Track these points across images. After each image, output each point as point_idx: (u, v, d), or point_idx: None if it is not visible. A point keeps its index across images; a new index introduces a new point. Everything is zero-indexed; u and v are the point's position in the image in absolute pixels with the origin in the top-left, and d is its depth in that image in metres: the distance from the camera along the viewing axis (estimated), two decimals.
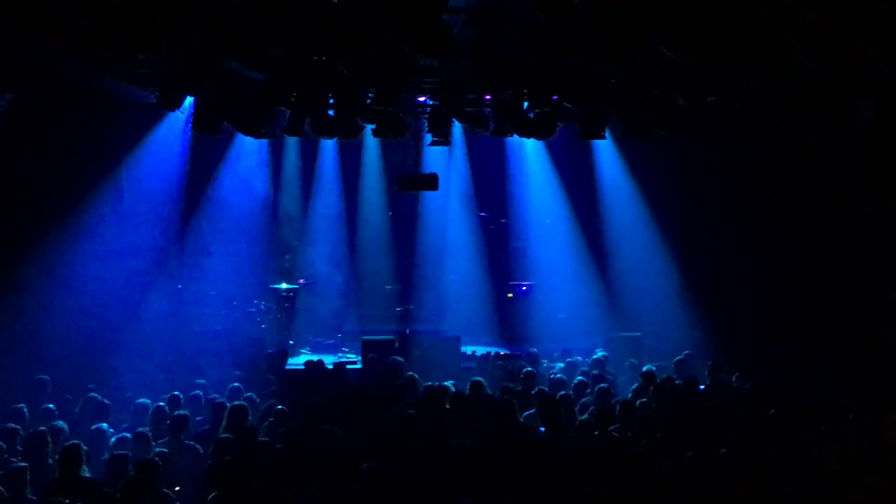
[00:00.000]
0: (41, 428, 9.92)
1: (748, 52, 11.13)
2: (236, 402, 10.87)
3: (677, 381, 12.74)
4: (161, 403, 11.27)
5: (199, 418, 11.39)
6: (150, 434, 10.17)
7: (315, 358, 15.38)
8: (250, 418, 10.66)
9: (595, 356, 15.11)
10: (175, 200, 17.92)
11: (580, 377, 13.31)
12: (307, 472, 9.15)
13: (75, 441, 9.35)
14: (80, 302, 15.22)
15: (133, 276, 16.79)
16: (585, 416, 11.30)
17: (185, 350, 15.49)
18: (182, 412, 10.72)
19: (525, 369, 13.54)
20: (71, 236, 15.34)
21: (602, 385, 12.34)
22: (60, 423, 10.43)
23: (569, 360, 15.14)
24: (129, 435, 10.18)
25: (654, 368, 13.50)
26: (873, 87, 11.65)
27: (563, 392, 12.22)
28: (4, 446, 9.56)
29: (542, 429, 10.83)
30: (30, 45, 11.80)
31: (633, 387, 12.90)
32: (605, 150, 19.41)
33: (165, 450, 9.83)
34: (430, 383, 12.90)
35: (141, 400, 11.54)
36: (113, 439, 10.15)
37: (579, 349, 16.15)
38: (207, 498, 8.56)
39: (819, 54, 10.77)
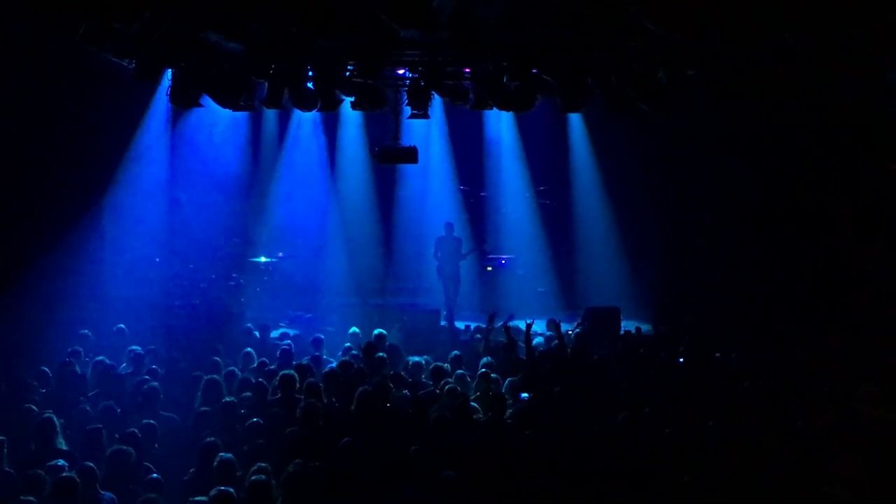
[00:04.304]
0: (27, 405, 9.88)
1: (729, 26, 11.11)
2: (211, 377, 10.86)
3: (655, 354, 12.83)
4: (146, 377, 11.22)
5: (177, 391, 11.34)
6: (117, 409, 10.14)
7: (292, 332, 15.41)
8: (225, 391, 10.65)
9: (575, 330, 15.16)
10: (155, 173, 17.91)
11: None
12: (287, 445, 9.15)
13: (49, 414, 9.32)
14: (58, 277, 15.14)
15: (111, 251, 16.77)
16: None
17: (164, 324, 15.46)
18: (154, 384, 10.66)
19: (503, 341, 13.58)
20: (52, 212, 15.21)
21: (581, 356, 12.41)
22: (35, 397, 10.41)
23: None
24: (87, 407, 10.12)
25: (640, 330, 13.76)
26: (855, 63, 11.66)
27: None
28: None
29: (524, 395, 10.89)
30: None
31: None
32: (582, 124, 19.49)
33: (153, 422, 9.77)
34: (409, 357, 12.97)
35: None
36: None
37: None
38: (188, 472, 8.58)
39: (801, 29, 10.76)
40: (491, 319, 14.35)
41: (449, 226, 18.50)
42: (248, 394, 10.90)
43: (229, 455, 8.27)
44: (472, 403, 10.62)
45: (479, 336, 15.07)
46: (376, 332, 14.31)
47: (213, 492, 7.42)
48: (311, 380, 10.96)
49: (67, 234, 15.52)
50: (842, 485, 7.95)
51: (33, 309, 14.34)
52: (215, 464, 8.16)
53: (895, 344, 12.66)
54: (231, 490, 7.42)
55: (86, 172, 15.83)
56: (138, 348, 12.79)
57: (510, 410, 10.42)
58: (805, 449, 8.86)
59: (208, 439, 8.86)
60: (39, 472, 8.00)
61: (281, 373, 11.22)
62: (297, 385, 10.81)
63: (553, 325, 14.75)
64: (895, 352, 12.22)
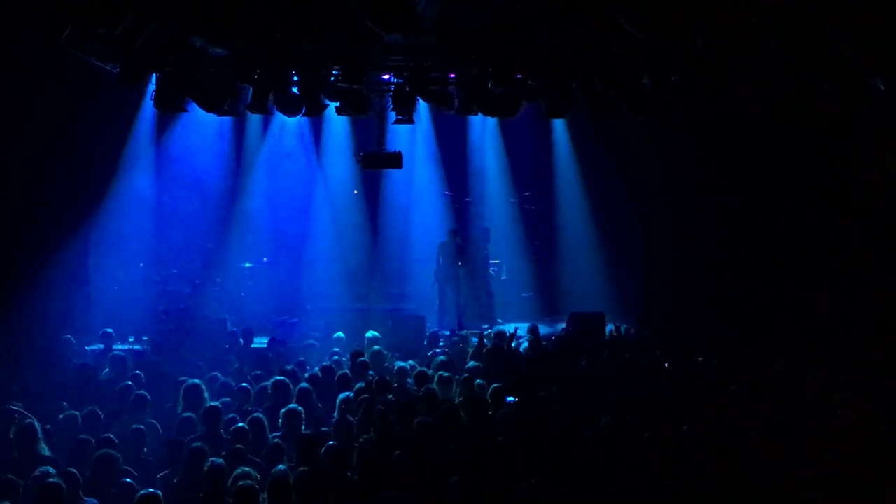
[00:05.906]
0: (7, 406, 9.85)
1: (712, 31, 11.17)
2: (192, 381, 10.83)
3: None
4: (129, 383, 11.19)
5: (160, 396, 11.30)
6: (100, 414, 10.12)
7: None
8: (207, 396, 10.62)
9: (559, 333, 15.20)
10: (141, 178, 17.90)
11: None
12: (271, 450, 9.13)
13: (30, 419, 9.30)
14: (43, 283, 15.09)
15: (96, 256, 16.73)
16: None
17: (148, 328, 15.42)
18: (142, 392, 10.64)
19: (487, 346, 13.61)
20: (37, 218, 15.13)
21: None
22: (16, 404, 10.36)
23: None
24: (77, 413, 10.14)
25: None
26: (836, 68, 11.73)
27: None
28: None
29: (510, 399, 10.90)
30: None
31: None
32: (566, 130, 19.55)
33: (142, 427, 9.73)
34: (395, 361, 12.98)
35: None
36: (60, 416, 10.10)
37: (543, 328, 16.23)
38: (173, 480, 8.55)
39: (783, 35, 10.83)
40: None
41: (453, 232, 18.59)
42: (227, 399, 10.89)
43: (220, 461, 8.23)
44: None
45: (456, 339, 15.15)
46: (369, 334, 14.29)
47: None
48: (303, 385, 10.96)
49: (52, 239, 15.45)
50: (822, 490, 7.99)
51: (18, 312, 14.27)
52: (206, 469, 8.11)
53: (876, 350, 12.73)
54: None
55: (73, 177, 15.76)
56: (120, 352, 12.76)
57: (490, 411, 10.45)
58: (785, 454, 8.89)
59: (195, 444, 8.82)
60: (18, 477, 7.98)
61: (273, 379, 11.19)
62: (292, 390, 10.79)
63: (531, 330, 14.83)
64: (876, 358, 12.28)
